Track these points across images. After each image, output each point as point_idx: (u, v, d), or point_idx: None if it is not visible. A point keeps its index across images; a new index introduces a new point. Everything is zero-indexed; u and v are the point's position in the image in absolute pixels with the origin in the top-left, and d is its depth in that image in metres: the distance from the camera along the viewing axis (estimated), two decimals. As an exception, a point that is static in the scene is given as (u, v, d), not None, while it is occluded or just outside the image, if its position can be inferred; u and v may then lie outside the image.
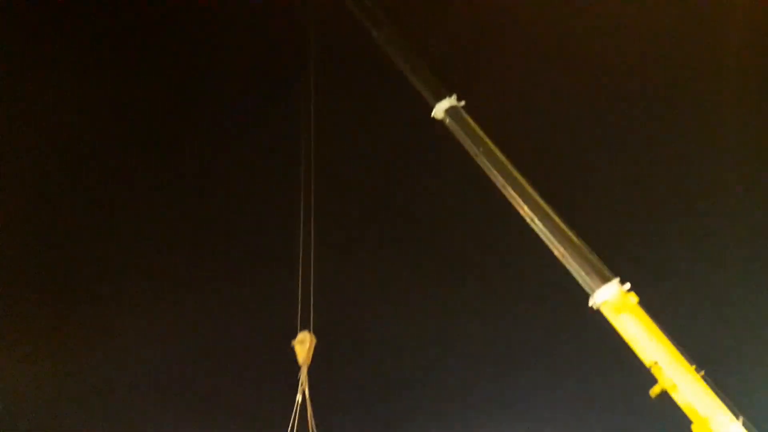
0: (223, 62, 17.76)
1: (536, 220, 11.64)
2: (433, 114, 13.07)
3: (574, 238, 11.39)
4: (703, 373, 10.07)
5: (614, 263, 11.05)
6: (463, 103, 12.88)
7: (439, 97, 12.96)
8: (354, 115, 17.06)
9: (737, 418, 9.77)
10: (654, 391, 10.39)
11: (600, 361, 14.27)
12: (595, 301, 10.96)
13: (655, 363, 10.34)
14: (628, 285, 10.79)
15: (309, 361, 12.96)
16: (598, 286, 10.90)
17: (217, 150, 18.21)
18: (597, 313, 11.04)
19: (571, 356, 15.63)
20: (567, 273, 11.45)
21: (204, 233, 18.28)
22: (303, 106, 14.72)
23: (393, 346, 17.25)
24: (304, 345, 13.02)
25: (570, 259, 11.30)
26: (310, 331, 13.14)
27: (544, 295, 15.54)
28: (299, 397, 12.68)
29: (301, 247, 13.77)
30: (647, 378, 10.45)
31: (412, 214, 17.64)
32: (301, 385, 12.77)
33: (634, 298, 10.70)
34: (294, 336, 13.12)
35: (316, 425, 12.51)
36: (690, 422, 10.07)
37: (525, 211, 11.82)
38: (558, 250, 11.46)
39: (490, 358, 16.57)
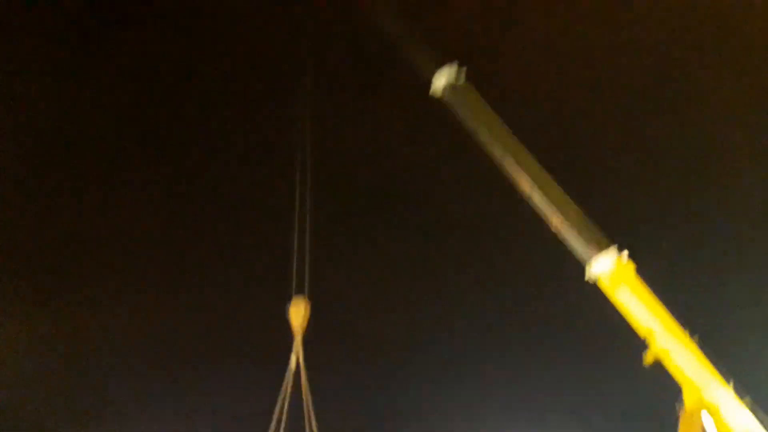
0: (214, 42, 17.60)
1: (535, 191, 11.71)
2: (431, 91, 12.86)
3: (572, 208, 11.51)
4: (697, 338, 10.37)
5: (611, 230, 11.22)
6: (463, 75, 12.74)
7: (437, 70, 12.74)
8: (351, 99, 17.00)
9: (728, 383, 10.11)
10: (647, 358, 10.63)
11: (593, 333, 14.49)
12: (591, 272, 11.12)
13: (650, 331, 10.60)
14: (626, 253, 10.97)
15: (304, 329, 12.88)
16: (596, 256, 11.07)
17: (214, 115, 18.00)
18: (592, 285, 11.28)
19: (565, 328, 15.92)
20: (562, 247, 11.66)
21: (201, 200, 18.13)
22: (300, 90, 14.63)
23: (389, 319, 17.34)
24: (298, 312, 12.92)
25: (567, 230, 11.42)
26: (305, 297, 13.08)
27: (540, 266, 15.76)
28: (293, 364, 12.60)
29: (296, 214, 13.68)
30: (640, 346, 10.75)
31: (407, 189, 17.68)
32: (295, 352, 12.70)
33: (631, 266, 10.92)
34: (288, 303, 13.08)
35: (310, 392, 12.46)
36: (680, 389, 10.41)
37: (524, 182, 11.86)
38: (555, 220, 11.55)
39: (487, 333, 16.78)
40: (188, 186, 18.26)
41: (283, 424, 11.92)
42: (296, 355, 12.61)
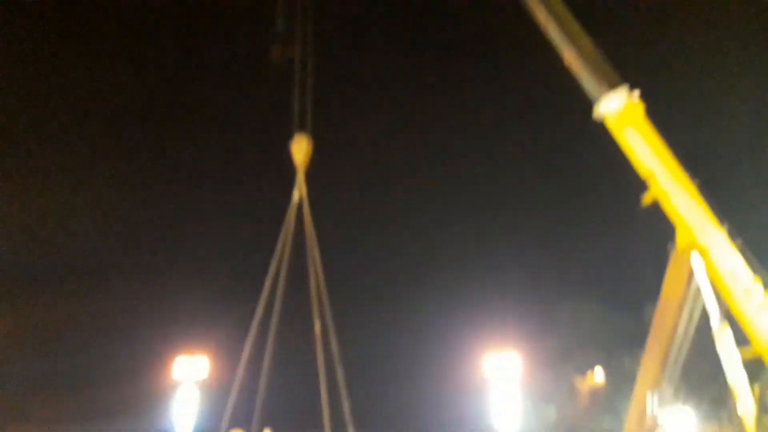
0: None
1: (551, 21, 11.01)
2: None
3: (587, 43, 10.90)
4: (697, 182, 10.25)
5: (624, 69, 10.66)
6: None
7: None
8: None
9: (722, 225, 10.15)
10: (646, 199, 10.64)
11: (593, 172, 14.36)
12: (601, 110, 10.75)
13: (652, 173, 10.47)
14: (637, 93, 10.52)
15: (306, 164, 12.99)
16: (607, 94, 10.64)
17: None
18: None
19: (567, 165, 15.84)
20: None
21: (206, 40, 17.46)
22: None
23: (391, 151, 17.39)
24: (300, 148, 12.97)
25: (580, 65, 10.88)
26: (307, 133, 13.01)
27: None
28: (296, 198, 12.89)
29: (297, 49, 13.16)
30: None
31: (409, 19, 16.75)
32: (298, 186, 12.92)
33: (641, 106, 10.52)
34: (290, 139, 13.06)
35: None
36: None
37: (539, 11, 11.18)
38: (569, 53, 10.99)
39: (489, 162, 16.78)
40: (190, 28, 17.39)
41: (286, 256, 12.52)
42: (299, 190, 12.87)
